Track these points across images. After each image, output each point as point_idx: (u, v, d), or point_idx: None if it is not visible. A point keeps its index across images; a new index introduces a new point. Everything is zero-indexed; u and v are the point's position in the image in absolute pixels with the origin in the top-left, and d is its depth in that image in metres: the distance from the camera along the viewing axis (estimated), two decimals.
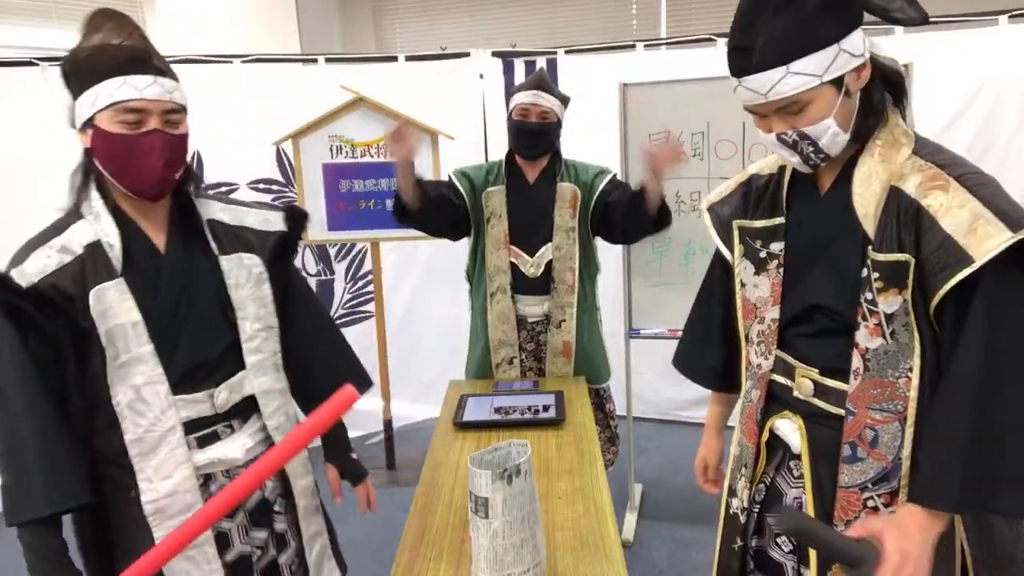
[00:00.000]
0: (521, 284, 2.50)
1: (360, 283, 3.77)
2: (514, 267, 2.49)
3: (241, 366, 1.34)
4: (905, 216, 1.09)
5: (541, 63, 3.66)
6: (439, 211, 2.47)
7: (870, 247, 1.13)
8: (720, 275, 1.49)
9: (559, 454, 1.85)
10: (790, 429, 1.30)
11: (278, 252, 1.42)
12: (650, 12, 5.30)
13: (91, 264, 1.21)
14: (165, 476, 1.24)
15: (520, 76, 3.70)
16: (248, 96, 3.40)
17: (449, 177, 2.56)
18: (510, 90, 3.69)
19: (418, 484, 1.75)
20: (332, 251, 3.70)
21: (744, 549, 1.38)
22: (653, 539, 2.84)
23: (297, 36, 5.33)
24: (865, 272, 1.14)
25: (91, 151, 1.22)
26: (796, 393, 1.28)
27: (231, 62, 3.41)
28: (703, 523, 2.95)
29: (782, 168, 1.32)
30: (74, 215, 1.25)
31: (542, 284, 2.50)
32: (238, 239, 1.37)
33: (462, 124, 3.55)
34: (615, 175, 2.56)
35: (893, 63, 1.18)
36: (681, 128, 2.78)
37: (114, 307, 1.20)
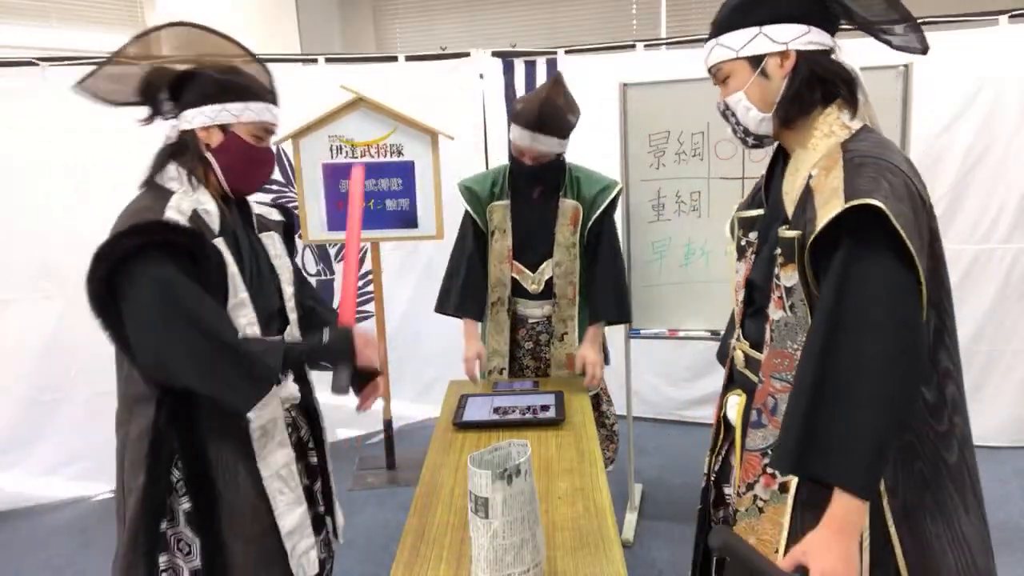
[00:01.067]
0: (522, 290, 2.50)
1: (360, 283, 3.77)
2: (515, 280, 2.48)
3: (287, 321, 1.64)
4: (805, 195, 1.19)
5: (541, 63, 3.66)
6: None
7: (783, 227, 1.22)
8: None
9: (559, 454, 1.85)
10: (732, 404, 1.42)
11: (285, 236, 1.74)
12: (650, 12, 5.30)
13: (197, 225, 1.42)
14: (264, 404, 1.46)
15: (520, 76, 3.70)
16: None
17: (459, 189, 2.51)
18: (509, 94, 3.71)
19: (418, 484, 1.75)
20: (332, 251, 3.70)
21: (704, 515, 1.52)
22: (653, 539, 2.84)
23: (297, 36, 5.33)
24: (777, 250, 1.23)
25: (211, 148, 1.48)
26: (737, 366, 1.43)
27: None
28: None
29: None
30: (161, 191, 1.44)
31: (543, 293, 2.49)
32: (263, 223, 1.68)
33: (462, 124, 3.55)
34: (619, 191, 2.46)
35: (848, 68, 1.26)
36: (681, 128, 2.78)
37: (224, 257, 1.44)
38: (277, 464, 1.52)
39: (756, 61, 1.25)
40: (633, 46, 3.49)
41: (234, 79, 1.51)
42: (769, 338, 1.25)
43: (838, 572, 1.04)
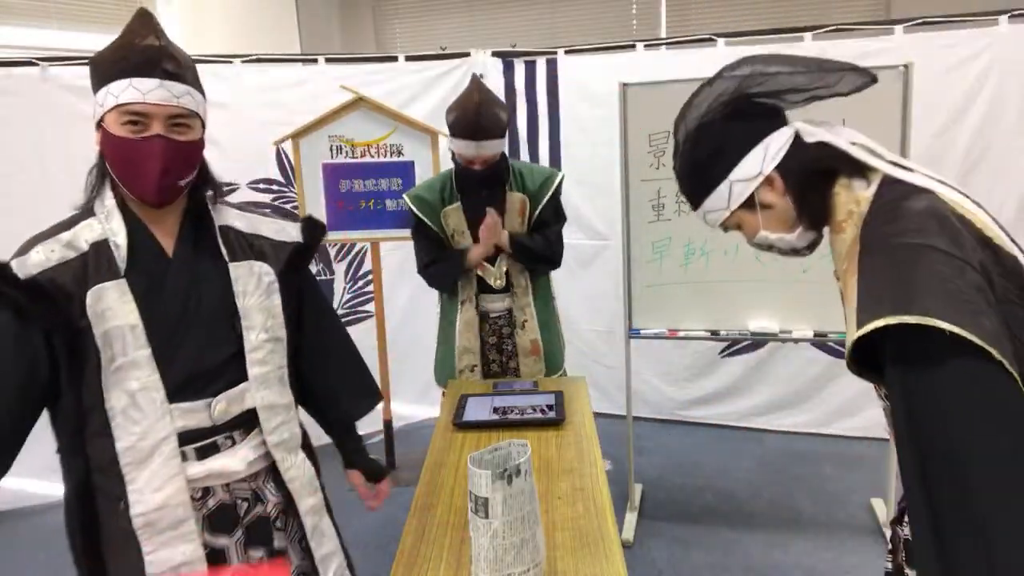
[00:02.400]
0: (484, 286, 2.56)
1: (360, 283, 3.77)
2: (478, 277, 2.54)
3: (244, 377, 1.30)
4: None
5: (541, 63, 3.66)
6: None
7: None
8: None
9: (559, 454, 1.85)
10: None
11: (293, 262, 1.39)
12: (650, 12, 5.30)
13: (94, 262, 1.19)
14: (156, 488, 1.19)
15: (520, 76, 3.70)
16: (248, 96, 3.40)
17: (405, 203, 2.54)
18: (509, 94, 3.71)
19: (418, 484, 1.75)
20: (332, 251, 3.70)
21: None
22: (653, 539, 2.84)
23: (297, 36, 5.33)
24: None
25: (101, 151, 1.22)
26: None
27: (231, 62, 3.41)
28: (703, 523, 2.95)
29: None
30: (86, 213, 1.24)
31: (506, 287, 2.57)
32: (251, 247, 1.34)
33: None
34: (562, 179, 2.54)
35: (828, 138, 1.14)
36: None
37: (113, 308, 1.18)
38: (171, 562, 1.22)
39: (750, 203, 1.18)
40: (633, 46, 3.49)
41: (93, 60, 1.21)
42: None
43: None
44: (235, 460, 1.29)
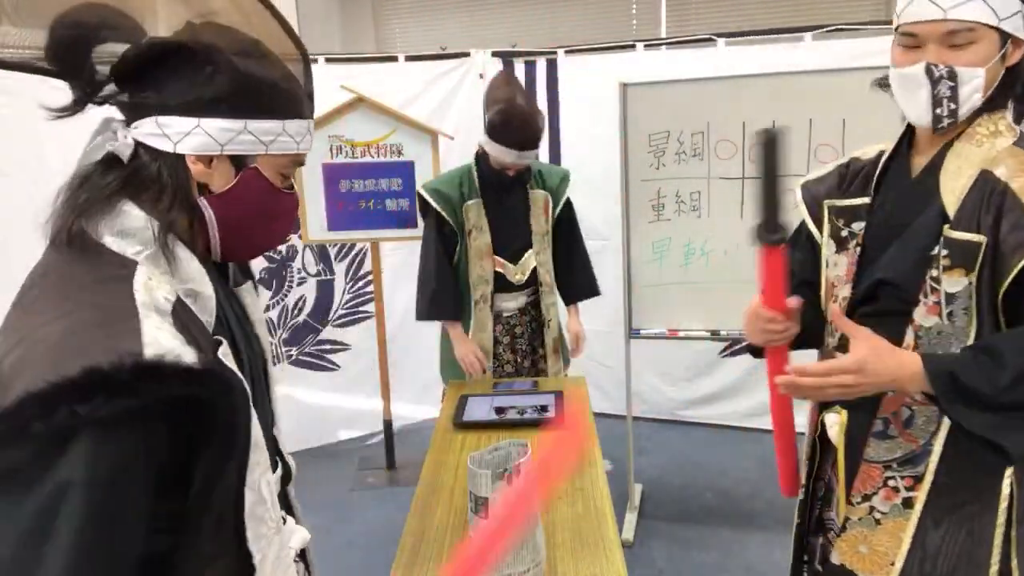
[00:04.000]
0: (500, 284, 2.55)
1: (360, 283, 3.77)
2: (497, 275, 2.53)
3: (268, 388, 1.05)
4: (991, 197, 1.07)
5: (541, 63, 3.66)
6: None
7: (947, 225, 1.12)
8: (795, 256, 1.42)
9: None
10: (832, 422, 1.31)
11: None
12: (650, 12, 5.30)
13: (181, 326, 0.79)
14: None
15: (520, 76, 3.70)
16: None
17: (421, 197, 2.52)
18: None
19: (418, 484, 1.75)
20: (332, 251, 3.70)
21: (800, 541, 1.40)
22: (653, 539, 2.84)
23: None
24: (936, 249, 1.12)
25: (208, 191, 0.86)
26: None
27: None
28: (703, 523, 2.95)
29: (881, 154, 1.32)
30: (108, 264, 0.79)
31: (527, 282, 2.58)
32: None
33: (462, 124, 3.56)
34: (572, 180, 2.65)
35: None
36: (681, 128, 2.78)
37: (246, 395, 0.83)
38: None
39: (1004, 39, 1.09)
40: (633, 46, 3.49)
41: (269, 74, 0.86)
42: (914, 344, 1.15)
43: (866, 371, 1.08)
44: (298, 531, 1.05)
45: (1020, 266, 1.03)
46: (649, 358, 3.75)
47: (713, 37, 3.33)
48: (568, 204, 2.64)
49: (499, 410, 2.12)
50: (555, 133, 3.71)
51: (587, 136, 3.62)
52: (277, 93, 0.88)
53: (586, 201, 3.69)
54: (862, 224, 1.27)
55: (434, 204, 2.48)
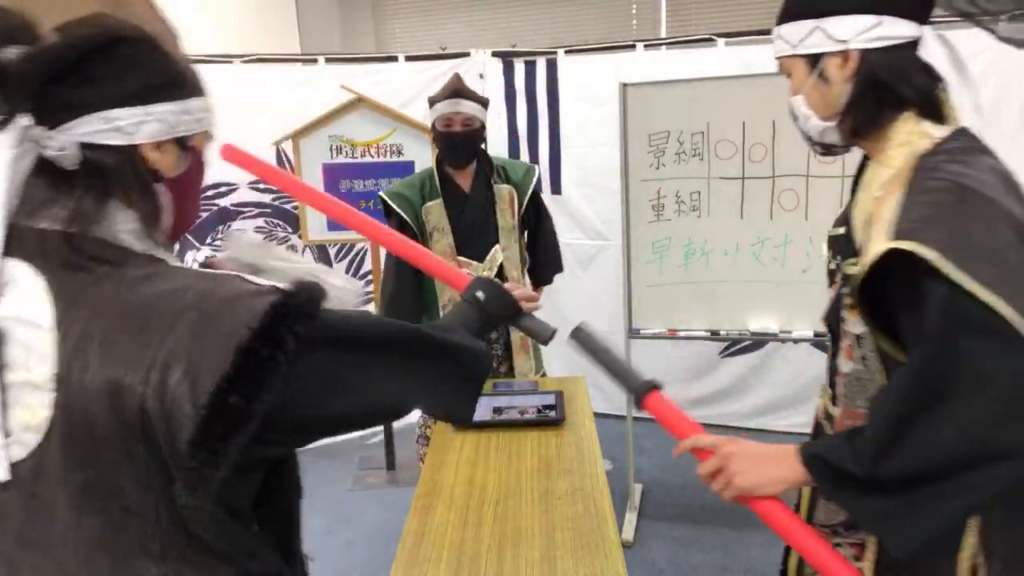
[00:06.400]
0: None
1: (360, 283, 3.77)
2: None
3: None
4: (870, 222, 0.99)
5: (541, 63, 3.66)
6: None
7: (850, 259, 1.03)
8: None
9: (559, 454, 1.85)
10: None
11: None
12: (650, 12, 5.30)
13: None
14: None
15: (520, 76, 3.70)
16: (248, 96, 3.40)
17: (383, 200, 2.48)
18: (509, 94, 3.71)
19: (418, 484, 1.75)
20: (332, 251, 3.70)
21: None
22: (653, 539, 2.84)
23: (297, 36, 5.33)
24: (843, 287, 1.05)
25: (162, 175, 0.88)
26: (819, 418, 1.23)
27: (231, 62, 3.41)
28: (703, 523, 2.95)
29: None
30: (148, 261, 0.84)
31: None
32: None
33: None
34: (539, 174, 2.66)
35: (931, 66, 1.06)
36: (681, 128, 2.78)
37: None
38: None
39: (814, 61, 1.05)
40: (633, 46, 3.49)
41: (182, 56, 0.92)
42: (842, 393, 1.09)
43: (733, 457, 1.01)
44: None
45: (859, 281, 0.93)
46: (649, 358, 3.74)
47: (713, 37, 3.32)
48: (535, 197, 2.63)
49: (499, 410, 2.12)
50: (555, 133, 3.71)
51: (587, 136, 3.62)
52: (194, 72, 0.91)
53: (586, 201, 3.72)
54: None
55: (395, 207, 2.45)
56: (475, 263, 2.50)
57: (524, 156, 3.74)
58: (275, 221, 3.56)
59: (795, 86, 1.09)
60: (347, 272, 3.75)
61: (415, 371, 0.93)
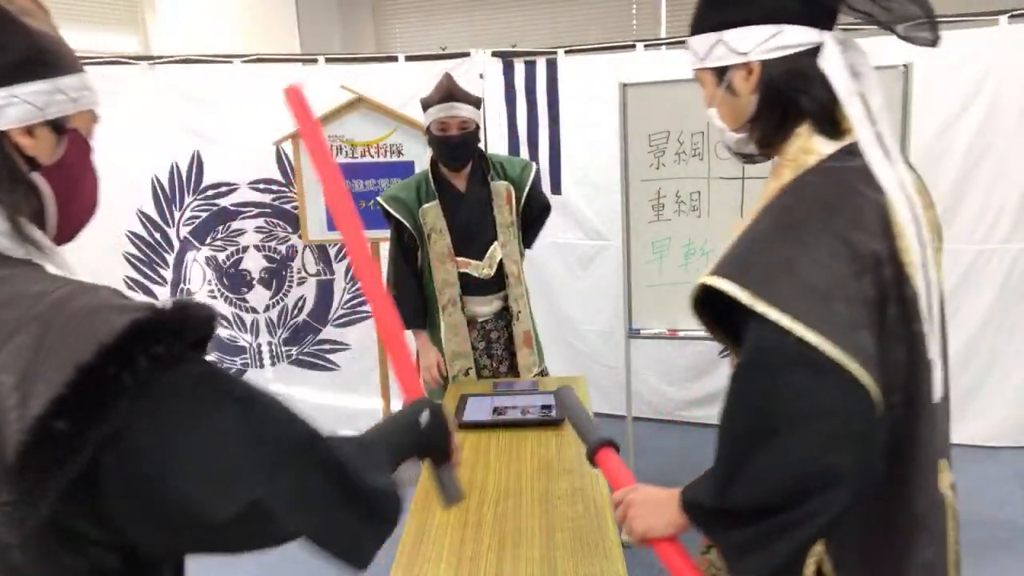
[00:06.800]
0: (470, 287, 2.52)
1: (359, 283, 3.77)
2: (462, 275, 2.50)
3: None
4: None
5: (541, 63, 3.66)
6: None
7: None
8: None
9: (559, 454, 1.85)
10: None
11: None
12: (650, 12, 5.30)
13: None
14: None
15: (520, 76, 3.70)
16: (248, 96, 3.40)
17: (380, 205, 2.50)
18: (509, 94, 3.71)
19: (418, 484, 1.75)
20: (332, 251, 3.70)
21: None
22: None
23: (297, 36, 5.33)
24: None
25: (38, 163, 0.80)
26: None
27: (231, 62, 3.41)
28: None
29: None
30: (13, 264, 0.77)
31: (491, 283, 2.53)
32: None
33: None
34: (537, 169, 2.63)
35: (828, 76, 1.00)
36: (681, 128, 2.78)
37: None
38: None
39: (721, 73, 1.05)
40: (633, 46, 3.49)
41: (50, 30, 0.81)
42: None
43: (633, 503, 1.09)
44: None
45: (692, 306, 1.03)
46: (649, 358, 3.75)
47: None
48: (535, 193, 2.60)
49: (499, 410, 2.12)
50: (555, 133, 3.71)
51: (587, 136, 3.62)
52: (64, 47, 0.81)
53: (586, 201, 3.72)
54: None
55: (392, 211, 2.46)
56: (474, 262, 2.50)
57: (524, 156, 3.74)
58: (275, 221, 3.56)
59: (707, 99, 1.11)
60: (347, 272, 3.75)
61: (312, 491, 0.73)
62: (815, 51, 1.00)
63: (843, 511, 0.87)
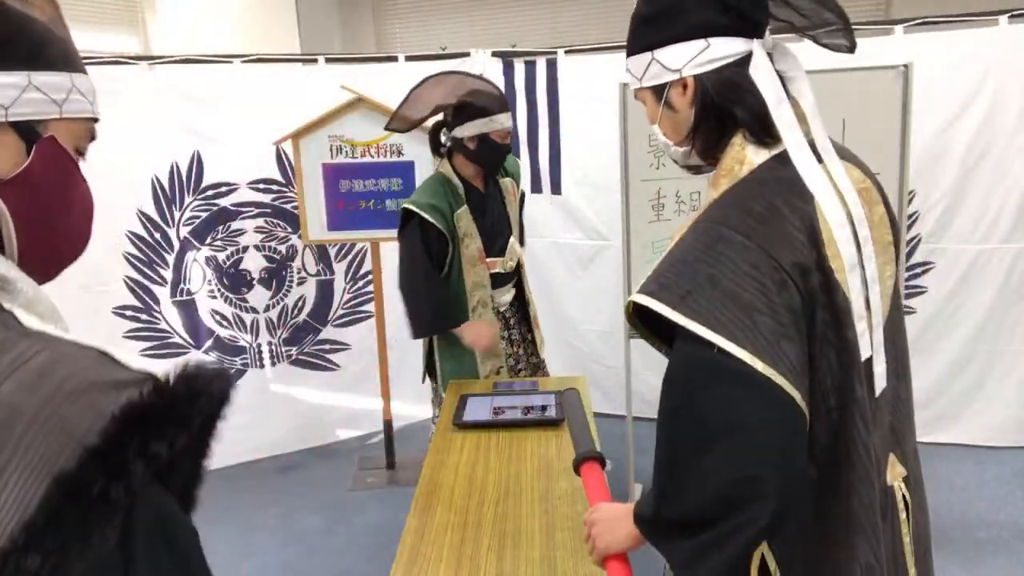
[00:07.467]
0: (494, 281, 2.58)
1: (360, 283, 3.77)
2: (491, 275, 2.56)
3: None
4: None
5: (541, 63, 3.66)
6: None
7: None
8: None
9: (559, 454, 1.85)
10: None
11: None
12: None
13: None
14: None
15: (520, 76, 3.70)
16: (248, 96, 3.40)
17: (412, 212, 2.40)
18: (509, 94, 3.71)
19: (418, 484, 1.75)
20: (332, 251, 3.70)
21: None
22: None
23: (297, 36, 5.33)
24: None
25: None
26: None
27: (231, 62, 3.41)
28: None
29: None
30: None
31: (508, 274, 2.64)
32: None
33: None
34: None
35: (756, 84, 1.01)
36: None
37: None
38: None
39: (658, 91, 1.07)
40: None
41: (37, 17, 0.68)
42: None
43: (598, 521, 1.13)
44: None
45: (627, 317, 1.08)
46: (649, 358, 3.73)
47: None
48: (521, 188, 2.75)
49: (499, 410, 2.12)
50: (555, 133, 3.71)
51: (587, 136, 3.62)
52: (54, 39, 0.67)
53: (586, 201, 3.71)
54: None
55: (432, 220, 2.38)
56: (499, 260, 2.57)
57: (524, 156, 3.74)
58: (275, 221, 3.56)
59: (649, 116, 1.12)
60: (347, 272, 3.75)
61: None
62: (745, 60, 1.01)
63: (778, 521, 0.88)
